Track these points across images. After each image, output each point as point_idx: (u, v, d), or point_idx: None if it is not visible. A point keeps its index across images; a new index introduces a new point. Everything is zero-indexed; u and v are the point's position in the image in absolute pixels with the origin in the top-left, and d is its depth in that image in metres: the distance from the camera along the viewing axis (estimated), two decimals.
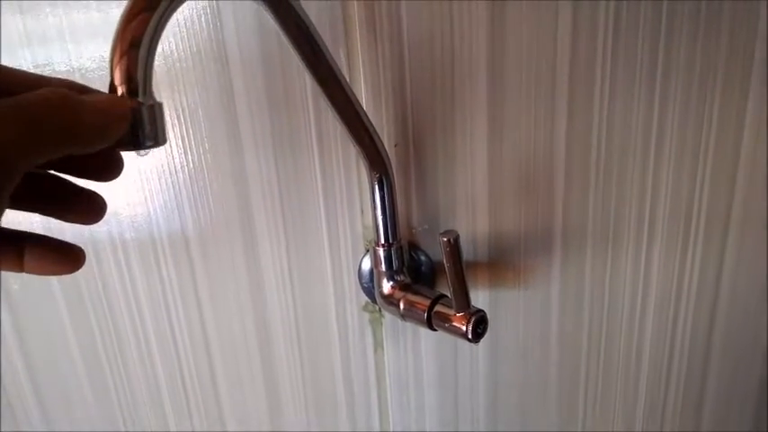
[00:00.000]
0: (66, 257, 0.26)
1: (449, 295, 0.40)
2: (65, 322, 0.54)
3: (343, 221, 0.47)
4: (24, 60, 0.45)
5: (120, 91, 0.23)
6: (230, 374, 0.54)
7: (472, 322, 0.39)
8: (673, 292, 0.48)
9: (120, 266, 0.52)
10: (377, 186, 0.41)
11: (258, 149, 0.45)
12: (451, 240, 0.37)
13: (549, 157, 0.44)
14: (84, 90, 0.25)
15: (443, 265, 0.38)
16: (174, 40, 0.43)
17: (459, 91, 0.42)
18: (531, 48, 0.41)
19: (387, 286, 0.43)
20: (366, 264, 0.47)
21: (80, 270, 0.53)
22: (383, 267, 0.43)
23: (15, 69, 0.25)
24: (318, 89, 0.36)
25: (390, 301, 0.43)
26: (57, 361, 0.56)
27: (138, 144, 0.24)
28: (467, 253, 0.47)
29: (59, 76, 0.25)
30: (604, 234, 0.46)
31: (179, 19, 0.43)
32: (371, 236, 0.46)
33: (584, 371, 0.51)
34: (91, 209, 0.27)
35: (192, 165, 0.47)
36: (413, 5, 0.40)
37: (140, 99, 0.24)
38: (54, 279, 0.53)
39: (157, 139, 0.25)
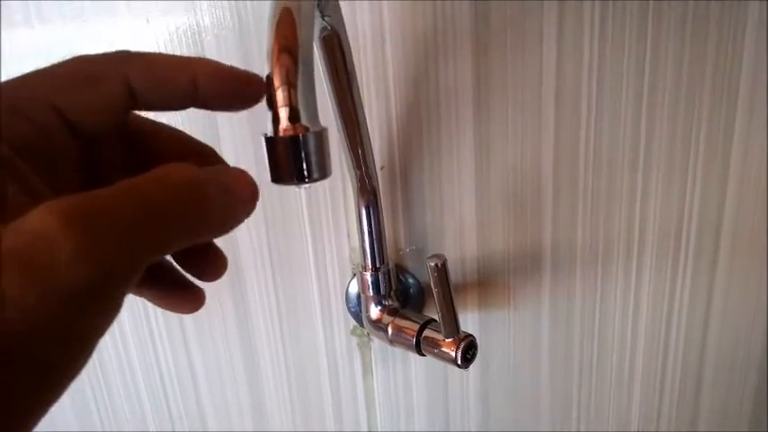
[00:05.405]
0: (188, 298, 0.25)
1: (437, 319, 0.39)
2: None
3: (330, 245, 0.46)
4: None
5: (283, 115, 0.21)
6: (217, 402, 0.53)
7: (461, 348, 0.38)
8: (664, 309, 0.47)
9: None
10: (364, 211, 0.40)
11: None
12: (439, 265, 0.36)
13: (537, 175, 0.43)
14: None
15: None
16: None
17: (445, 111, 0.42)
18: (516, 67, 0.40)
19: (374, 311, 0.42)
20: (353, 287, 0.46)
21: None
22: (371, 292, 0.42)
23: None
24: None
25: (378, 326, 0.42)
26: None
27: (302, 176, 0.21)
28: (455, 274, 0.46)
29: None
30: (594, 252, 0.45)
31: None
32: (358, 259, 0.45)
33: (576, 391, 0.50)
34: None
35: None
36: (396, 23, 0.40)
37: (306, 124, 0.21)
38: None
39: (325, 170, 0.22)
